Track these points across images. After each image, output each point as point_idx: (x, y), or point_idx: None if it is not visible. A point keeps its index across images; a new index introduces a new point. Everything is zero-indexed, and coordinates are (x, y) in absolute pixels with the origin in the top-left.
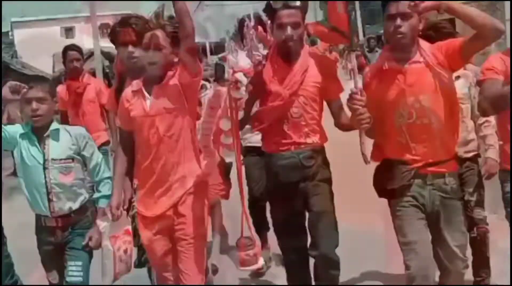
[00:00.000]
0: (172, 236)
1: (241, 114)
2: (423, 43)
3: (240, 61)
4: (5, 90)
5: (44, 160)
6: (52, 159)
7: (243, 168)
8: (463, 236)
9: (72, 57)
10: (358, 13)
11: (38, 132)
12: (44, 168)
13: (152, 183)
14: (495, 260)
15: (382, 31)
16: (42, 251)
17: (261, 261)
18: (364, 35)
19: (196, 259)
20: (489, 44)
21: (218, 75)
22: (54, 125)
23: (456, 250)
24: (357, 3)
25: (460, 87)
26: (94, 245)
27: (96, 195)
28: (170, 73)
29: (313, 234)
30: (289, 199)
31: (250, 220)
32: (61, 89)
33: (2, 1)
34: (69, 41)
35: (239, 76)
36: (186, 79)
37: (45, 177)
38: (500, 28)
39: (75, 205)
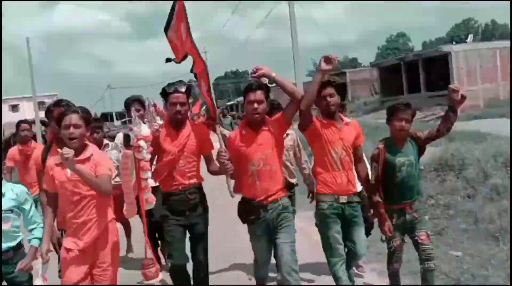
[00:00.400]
0: (91, 264)
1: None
2: (267, 118)
3: (143, 131)
4: None
5: None
6: None
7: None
8: (292, 235)
9: (23, 128)
10: (213, 91)
11: None
12: None
13: (76, 227)
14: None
15: (228, 103)
16: None
17: (160, 276)
18: (217, 105)
19: (109, 282)
20: (297, 109)
21: (125, 142)
22: (3, 186)
23: (287, 244)
24: (211, 87)
25: (288, 140)
26: (26, 268)
27: (29, 237)
28: (88, 151)
29: (192, 248)
30: (177, 223)
31: (150, 246)
32: (13, 151)
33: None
34: (15, 115)
35: (141, 142)
36: (102, 173)
37: None
38: (299, 96)
39: (12, 244)
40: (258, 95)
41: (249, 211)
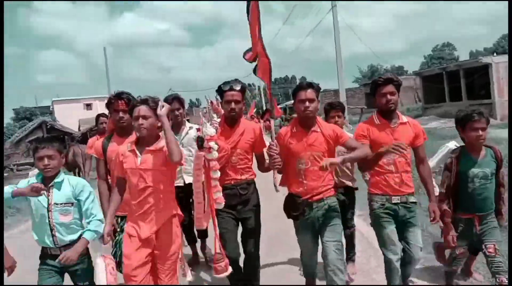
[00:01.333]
0: (151, 252)
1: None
2: (321, 120)
3: (209, 130)
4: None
5: (48, 204)
6: (55, 204)
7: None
8: (338, 235)
9: (102, 121)
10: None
11: (46, 181)
12: (48, 211)
13: (139, 215)
14: (360, 245)
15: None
16: (42, 272)
17: (229, 269)
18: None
19: (170, 270)
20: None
21: (199, 145)
22: (59, 177)
23: (332, 243)
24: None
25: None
26: (67, 261)
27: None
28: (161, 143)
29: (244, 241)
30: (229, 216)
31: (220, 242)
32: (93, 140)
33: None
34: (89, 112)
35: (211, 144)
36: (170, 165)
37: (48, 218)
38: (369, 154)
39: (75, 237)
40: (309, 93)
41: (293, 207)
